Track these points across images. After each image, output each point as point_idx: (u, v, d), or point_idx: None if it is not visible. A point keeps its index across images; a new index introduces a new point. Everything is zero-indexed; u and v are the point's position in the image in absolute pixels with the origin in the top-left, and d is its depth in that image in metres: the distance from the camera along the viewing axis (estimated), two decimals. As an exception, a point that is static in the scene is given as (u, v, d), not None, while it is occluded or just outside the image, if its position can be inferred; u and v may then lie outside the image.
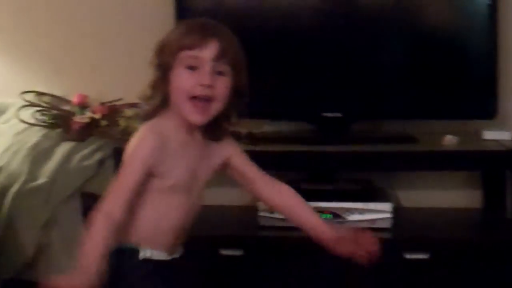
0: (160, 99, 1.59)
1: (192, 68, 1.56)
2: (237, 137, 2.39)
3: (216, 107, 1.58)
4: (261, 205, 2.26)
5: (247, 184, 1.73)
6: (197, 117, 1.57)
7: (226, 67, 1.57)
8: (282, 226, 2.19)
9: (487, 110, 2.41)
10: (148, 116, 1.61)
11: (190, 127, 1.61)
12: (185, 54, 1.55)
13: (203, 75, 1.55)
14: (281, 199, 1.73)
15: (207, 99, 1.56)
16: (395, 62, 2.51)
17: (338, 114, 2.44)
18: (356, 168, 2.40)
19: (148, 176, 1.57)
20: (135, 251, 1.61)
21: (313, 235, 1.69)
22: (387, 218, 2.27)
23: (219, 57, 1.55)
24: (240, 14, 2.46)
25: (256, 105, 2.40)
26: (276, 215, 2.22)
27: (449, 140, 2.35)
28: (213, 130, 1.64)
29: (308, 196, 2.26)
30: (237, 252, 2.22)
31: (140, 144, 1.56)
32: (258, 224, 2.29)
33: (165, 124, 1.60)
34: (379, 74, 2.49)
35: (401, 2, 2.46)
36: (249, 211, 2.40)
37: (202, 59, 1.55)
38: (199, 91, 1.55)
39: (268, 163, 2.33)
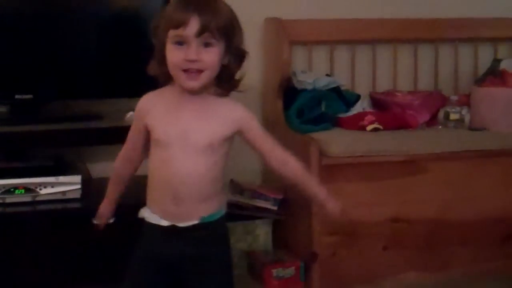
0: (161, 71, 1.77)
1: (180, 43, 1.72)
2: None
3: (206, 75, 1.74)
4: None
5: (258, 153, 1.87)
6: (190, 83, 1.74)
7: (212, 37, 1.72)
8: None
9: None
10: (160, 84, 1.82)
11: (188, 93, 1.77)
12: (172, 33, 1.72)
13: (188, 51, 1.71)
14: (286, 170, 1.87)
15: (198, 71, 1.73)
16: (83, 46, 2.81)
17: (30, 96, 2.71)
18: (48, 145, 2.69)
19: (148, 131, 1.82)
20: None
21: (314, 200, 1.93)
22: (77, 189, 2.59)
23: (201, 32, 1.70)
24: None
25: None
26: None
27: (130, 117, 2.72)
28: (219, 87, 1.80)
29: (3, 174, 2.54)
30: None
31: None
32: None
33: (164, 90, 1.82)
34: (67, 56, 2.78)
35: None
36: None
37: (186, 36, 1.71)
38: (186, 65, 1.72)
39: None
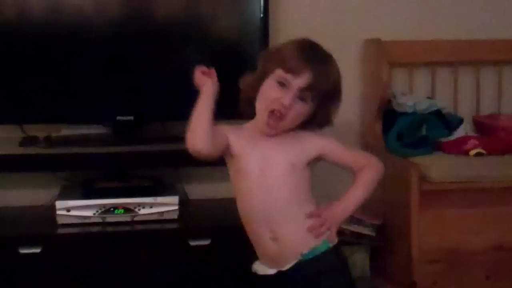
0: (248, 94, 1.86)
1: (281, 84, 1.80)
2: (34, 141, 2.68)
3: (284, 125, 1.82)
4: (58, 204, 2.57)
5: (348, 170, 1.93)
6: (267, 130, 1.83)
7: (310, 96, 1.80)
8: (79, 223, 2.53)
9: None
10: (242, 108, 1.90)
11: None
12: (280, 73, 1.79)
13: (286, 95, 1.78)
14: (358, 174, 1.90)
15: (280, 116, 1.80)
16: (182, 67, 2.84)
17: (131, 117, 2.79)
18: (147, 166, 2.76)
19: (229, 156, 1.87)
20: None
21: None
22: (175, 210, 2.64)
23: (307, 89, 1.79)
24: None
25: (53, 110, 2.74)
26: (73, 213, 2.55)
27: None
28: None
29: (103, 193, 2.61)
30: (36, 250, 2.49)
31: None
32: (56, 222, 2.58)
33: (245, 127, 1.91)
34: (167, 78, 2.85)
35: (185, 12, 2.83)
36: (47, 210, 2.68)
37: (291, 84, 1.79)
38: (276, 106, 1.79)
39: (66, 164, 2.65)
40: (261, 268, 1.87)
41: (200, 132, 1.84)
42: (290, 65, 1.77)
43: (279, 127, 1.82)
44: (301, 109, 1.80)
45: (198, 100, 1.85)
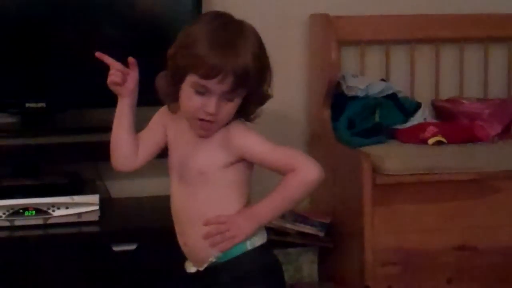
0: (170, 91, 1.82)
1: (200, 93, 1.75)
2: None
3: (219, 126, 1.80)
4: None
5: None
6: (201, 133, 1.81)
7: (237, 93, 1.77)
8: None
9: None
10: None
11: None
12: (196, 79, 1.74)
13: (209, 103, 1.75)
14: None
15: (210, 122, 1.78)
16: (101, 48, 2.80)
17: (42, 104, 2.75)
18: (63, 161, 2.73)
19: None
20: None
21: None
22: (95, 210, 2.62)
23: (230, 92, 1.75)
24: None
25: None
26: None
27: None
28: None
29: (11, 193, 2.58)
30: None
31: None
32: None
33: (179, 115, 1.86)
34: (84, 60, 2.80)
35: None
36: None
37: (212, 89, 1.74)
38: (202, 115, 1.76)
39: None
40: (187, 265, 1.91)
41: (118, 151, 1.94)
42: (205, 71, 1.73)
43: (214, 130, 1.82)
44: (230, 108, 1.79)
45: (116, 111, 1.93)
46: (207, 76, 1.72)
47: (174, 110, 1.87)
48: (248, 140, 1.83)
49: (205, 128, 1.80)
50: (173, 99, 1.84)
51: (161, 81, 1.86)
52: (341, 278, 2.90)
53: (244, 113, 1.85)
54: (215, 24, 1.79)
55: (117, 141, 1.94)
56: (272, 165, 1.82)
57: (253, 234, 1.84)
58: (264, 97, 1.86)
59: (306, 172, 1.80)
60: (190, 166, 1.84)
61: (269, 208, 1.84)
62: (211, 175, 1.82)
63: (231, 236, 1.81)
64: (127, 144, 1.92)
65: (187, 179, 1.85)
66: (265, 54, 1.82)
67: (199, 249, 1.85)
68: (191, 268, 1.90)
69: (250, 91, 1.79)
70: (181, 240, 1.90)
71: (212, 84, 1.73)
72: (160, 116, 1.94)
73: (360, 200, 2.68)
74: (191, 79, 1.75)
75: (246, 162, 1.84)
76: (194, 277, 1.89)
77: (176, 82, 1.80)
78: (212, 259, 1.84)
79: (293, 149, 1.84)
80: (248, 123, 1.88)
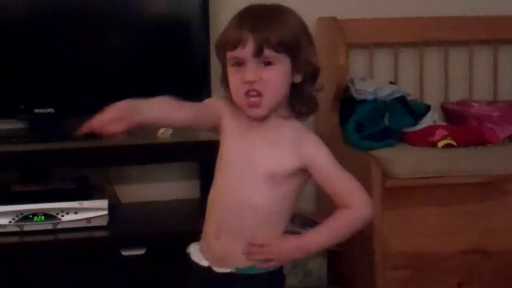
0: (227, 93, 1.80)
1: (238, 64, 1.75)
2: None
3: (269, 99, 1.75)
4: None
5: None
6: (252, 111, 1.76)
7: (274, 55, 1.73)
8: None
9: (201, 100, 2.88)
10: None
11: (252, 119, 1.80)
12: (230, 55, 1.75)
13: (245, 72, 1.74)
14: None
15: (258, 93, 1.75)
16: (110, 54, 2.88)
17: (51, 110, 2.76)
18: (71, 166, 2.74)
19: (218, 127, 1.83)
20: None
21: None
22: (104, 215, 2.63)
23: (258, 52, 1.73)
24: None
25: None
26: None
27: (163, 132, 2.77)
28: (293, 110, 1.81)
29: (20, 198, 2.59)
30: None
31: None
32: None
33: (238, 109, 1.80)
34: (93, 66, 2.85)
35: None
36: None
37: (243, 58, 1.74)
38: (246, 88, 1.74)
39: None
40: (196, 254, 1.86)
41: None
42: (232, 41, 1.74)
43: (264, 104, 1.76)
44: (273, 74, 1.75)
45: None
46: (233, 46, 1.73)
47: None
48: (321, 153, 1.79)
49: (254, 104, 1.75)
50: (229, 92, 1.81)
51: (223, 87, 1.85)
52: (351, 282, 2.90)
53: (301, 94, 1.80)
54: (244, 9, 1.80)
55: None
56: (331, 190, 1.79)
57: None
58: (314, 68, 1.80)
59: (360, 213, 1.78)
60: (260, 164, 1.78)
61: (314, 242, 1.82)
62: (280, 178, 1.78)
63: (271, 260, 1.79)
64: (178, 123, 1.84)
65: (254, 176, 1.78)
66: (299, 25, 1.80)
67: (233, 251, 1.80)
68: (202, 261, 1.83)
69: (290, 57, 1.75)
70: (213, 234, 1.82)
71: (239, 51, 1.73)
72: (220, 103, 1.85)
73: (369, 204, 2.68)
74: (228, 57, 1.76)
75: (305, 176, 1.80)
76: (204, 282, 1.85)
77: (224, 68, 1.80)
78: (237, 268, 1.80)
79: (355, 181, 1.79)
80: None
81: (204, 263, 1.83)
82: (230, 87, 1.78)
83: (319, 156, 1.78)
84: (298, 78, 1.78)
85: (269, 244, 1.79)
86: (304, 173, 1.79)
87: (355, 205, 1.77)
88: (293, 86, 1.78)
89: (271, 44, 1.73)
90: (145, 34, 2.86)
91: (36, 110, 2.76)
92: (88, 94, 2.82)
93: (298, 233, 1.89)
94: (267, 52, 1.73)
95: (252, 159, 1.79)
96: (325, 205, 3.07)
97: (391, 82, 3.16)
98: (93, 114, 2.82)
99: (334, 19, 3.07)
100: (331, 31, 3.04)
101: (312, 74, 1.81)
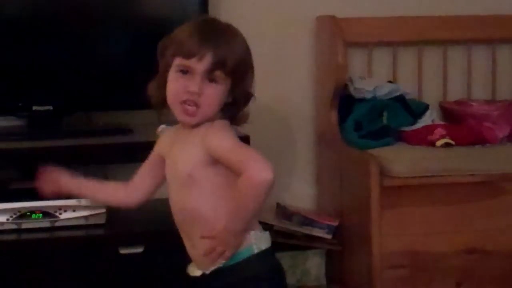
0: (158, 94, 1.89)
1: (184, 72, 1.82)
2: None
3: (204, 112, 1.84)
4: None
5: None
6: (186, 119, 1.85)
7: (222, 76, 1.82)
8: None
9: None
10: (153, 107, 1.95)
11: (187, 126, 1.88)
12: (180, 61, 1.82)
13: (192, 82, 1.81)
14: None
15: (195, 104, 1.82)
16: (109, 50, 2.88)
17: (49, 107, 2.76)
18: (70, 163, 2.72)
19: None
20: None
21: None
22: (102, 213, 2.63)
23: (212, 70, 1.81)
24: None
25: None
26: None
27: (162, 130, 2.76)
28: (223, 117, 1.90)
29: (19, 196, 2.59)
30: None
31: None
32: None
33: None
34: (92, 63, 2.85)
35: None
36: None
37: (193, 69, 1.81)
38: (186, 96, 1.81)
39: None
40: (190, 269, 1.94)
41: (112, 204, 2.24)
42: (187, 49, 1.81)
43: (199, 115, 1.84)
44: (214, 92, 1.83)
45: None
46: (188, 55, 1.80)
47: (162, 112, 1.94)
48: (215, 136, 1.83)
49: (190, 112, 1.83)
50: (163, 102, 1.89)
51: (152, 86, 1.93)
52: (349, 281, 2.91)
53: (231, 113, 1.89)
54: (201, 21, 1.91)
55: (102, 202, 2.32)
56: (230, 166, 1.79)
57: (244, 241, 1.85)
58: (248, 95, 1.90)
59: (255, 176, 1.74)
60: (179, 168, 1.87)
61: (231, 219, 1.81)
62: (197, 175, 1.84)
63: (222, 252, 1.82)
64: (110, 198, 2.19)
65: (180, 182, 1.88)
66: (248, 53, 1.89)
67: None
68: (196, 272, 1.91)
69: (232, 80, 1.83)
70: (188, 244, 1.92)
71: (193, 62, 1.80)
72: (157, 146, 2.03)
73: (367, 203, 2.68)
74: (175, 63, 1.84)
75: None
76: (200, 279, 1.90)
77: (164, 71, 1.87)
78: (220, 263, 1.85)
79: (251, 152, 1.79)
80: (236, 127, 1.92)
81: (197, 273, 1.91)
82: (168, 89, 1.86)
83: (213, 139, 1.83)
84: (229, 99, 1.88)
85: (214, 236, 1.81)
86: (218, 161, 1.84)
87: (248, 170, 1.74)
88: (225, 105, 1.88)
89: (225, 66, 1.81)
90: (145, 34, 2.85)
91: (34, 108, 2.76)
92: (86, 92, 2.83)
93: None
94: (218, 72, 1.81)
95: (176, 166, 1.89)
96: (325, 205, 3.07)
97: (389, 81, 3.16)
98: (91, 111, 2.88)
99: (333, 17, 3.07)
100: (330, 29, 3.05)
101: (245, 100, 1.91)
